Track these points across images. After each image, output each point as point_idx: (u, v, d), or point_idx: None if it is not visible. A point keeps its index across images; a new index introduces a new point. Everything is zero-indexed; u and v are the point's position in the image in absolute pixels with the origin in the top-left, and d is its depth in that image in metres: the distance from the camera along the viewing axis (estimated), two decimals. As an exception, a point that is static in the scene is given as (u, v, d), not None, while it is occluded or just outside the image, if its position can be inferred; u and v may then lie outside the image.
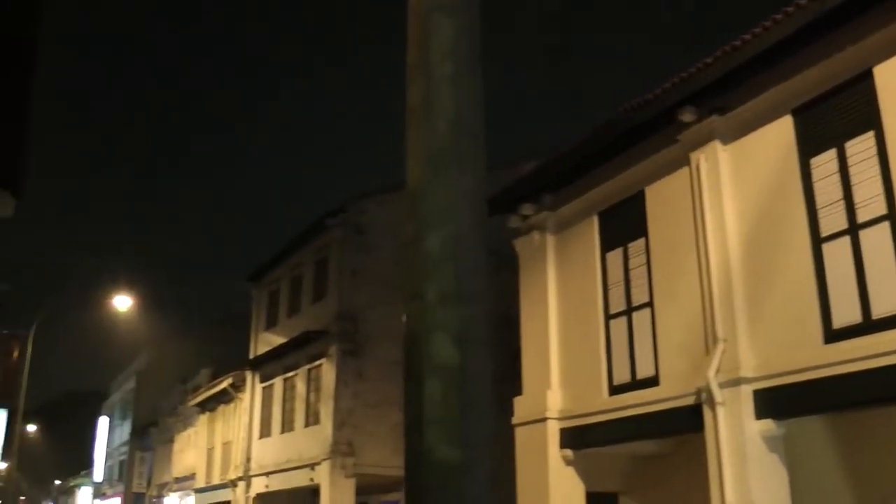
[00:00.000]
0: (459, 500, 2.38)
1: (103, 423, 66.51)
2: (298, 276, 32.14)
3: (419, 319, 2.56)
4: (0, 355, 34.35)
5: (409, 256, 2.66)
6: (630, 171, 15.34)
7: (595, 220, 16.31)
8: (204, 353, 45.20)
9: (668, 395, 13.69)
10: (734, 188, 13.28)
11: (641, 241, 15.14)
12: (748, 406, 12.25)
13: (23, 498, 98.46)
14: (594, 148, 15.76)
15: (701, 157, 13.71)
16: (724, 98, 13.39)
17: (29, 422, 66.32)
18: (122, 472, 59.41)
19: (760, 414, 12.16)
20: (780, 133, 12.71)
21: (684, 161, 14.11)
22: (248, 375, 34.75)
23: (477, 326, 2.56)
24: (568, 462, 15.82)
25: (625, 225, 15.62)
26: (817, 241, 11.97)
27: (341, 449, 26.49)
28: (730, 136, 13.47)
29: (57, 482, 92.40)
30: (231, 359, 38.11)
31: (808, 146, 12.35)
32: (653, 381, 14.31)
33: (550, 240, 17.19)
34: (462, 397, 2.46)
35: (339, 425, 26.70)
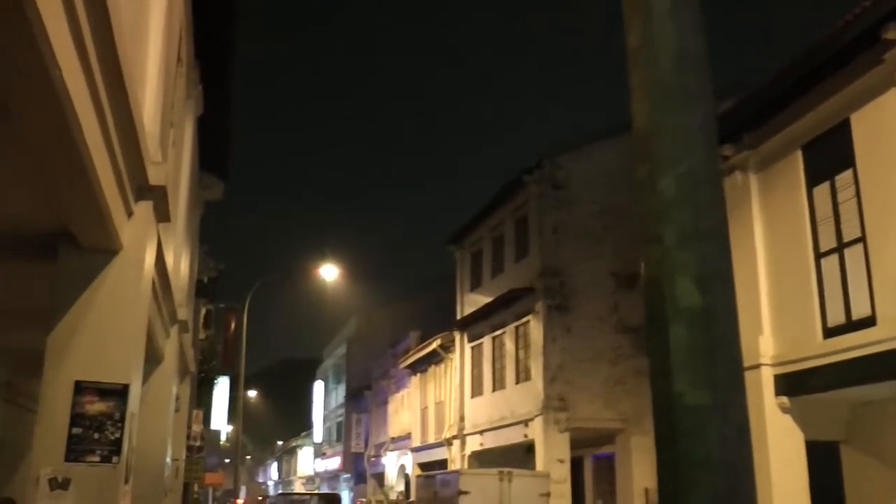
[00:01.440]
0: (713, 443, 2.36)
1: (318, 387, 69.90)
2: (499, 235, 32.59)
3: (659, 263, 2.52)
4: (219, 328, 37.07)
5: (644, 199, 2.62)
6: (833, 98, 14.73)
7: (799, 155, 15.81)
8: (411, 317, 46.74)
9: (886, 335, 13.15)
10: (948, 107, 12.70)
11: (849, 173, 14.57)
12: (975, 344, 11.78)
13: (248, 457, 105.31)
14: (794, 79, 15.25)
15: (910, 77, 13.19)
16: (931, 9, 12.74)
17: (249, 387, 70.81)
18: (339, 433, 62.37)
19: None
20: None
21: (891, 82, 13.49)
22: (457, 336, 35.61)
23: (719, 264, 2.53)
24: (784, 410, 15.49)
25: (831, 157, 15.05)
26: None
27: (554, 404, 26.87)
28: (941, 50, 12.81)
29: (279, 443, 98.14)
30: (438, 321, 39.27)
31: None
32: (869, 322, 13.78)
33: (753, 179, 16.88)
34: (709, 339, 2.43)
35: (550, 381, 27.09)
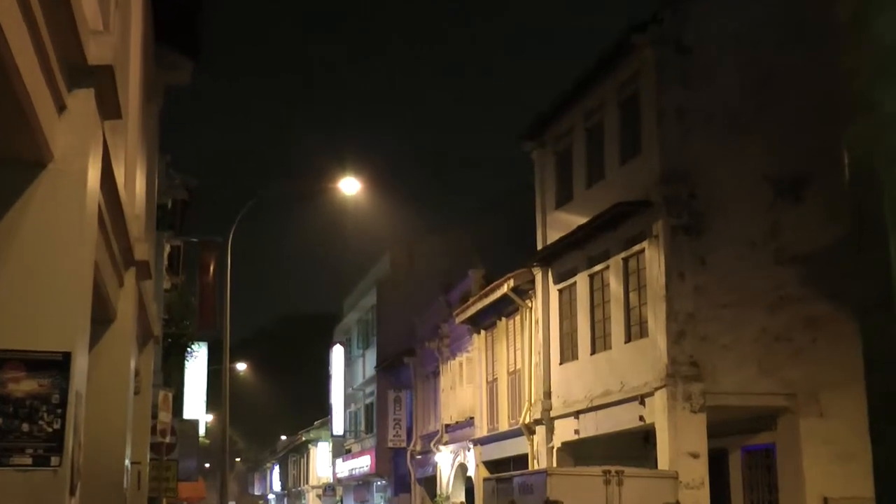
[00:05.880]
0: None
1: (337, 354, 70.33)
2: (597, 125, 32.13)
3: (873, 143, 2.56)
4: (193, 273, 37.16)
5: (849, 51, 2.68)
6: None
7: None
8: (471, 250, 46.80)
9: None
10: None
11: None
12: None
13: (238, 459, 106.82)
14: None
15: None
16: None
17: (238, 358, 71.64)
18: (370, 421, 63.05)
19: None
20: None
21: None
22: (538, 274, 35.52)
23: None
24: None
25: None
26: None
27: (682, 371, 26.40)
28: None
29: (283, 437, 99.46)
30: (510, 253, 39.36)
31: None
32: None
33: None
34: None
35: (676, 337, 26.71)
